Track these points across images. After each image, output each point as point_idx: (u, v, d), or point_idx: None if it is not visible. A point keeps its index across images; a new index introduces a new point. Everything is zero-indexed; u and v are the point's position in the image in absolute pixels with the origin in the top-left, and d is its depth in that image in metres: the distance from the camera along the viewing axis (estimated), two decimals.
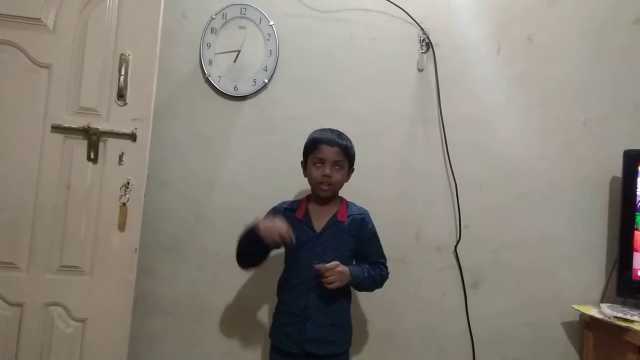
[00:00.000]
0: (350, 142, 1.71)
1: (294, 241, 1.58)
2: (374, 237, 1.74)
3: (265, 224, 1.56)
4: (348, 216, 1.71)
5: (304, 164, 1.74)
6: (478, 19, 2.10)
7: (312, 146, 1.68)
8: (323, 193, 1.68)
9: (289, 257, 1.72)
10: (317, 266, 1.58)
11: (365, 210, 1.77)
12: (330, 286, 1.58)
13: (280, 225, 1.54)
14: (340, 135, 1.70)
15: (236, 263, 1.67)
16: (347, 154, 1.68)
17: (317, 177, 1.66)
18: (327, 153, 1.65)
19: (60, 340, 1.68)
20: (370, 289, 1.73)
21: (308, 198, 1.75)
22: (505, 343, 2.07)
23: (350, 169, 1.73)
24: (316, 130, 1.74)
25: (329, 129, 1.73)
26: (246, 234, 1.61)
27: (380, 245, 1.75)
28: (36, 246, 1.67)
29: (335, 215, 1.70)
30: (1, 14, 1.65)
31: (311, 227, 1.68)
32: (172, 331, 1.99)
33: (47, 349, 1.67)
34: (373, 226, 1.75)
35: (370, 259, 1.72)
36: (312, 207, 1.72)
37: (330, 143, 1.66)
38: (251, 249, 1.61)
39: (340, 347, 1.67)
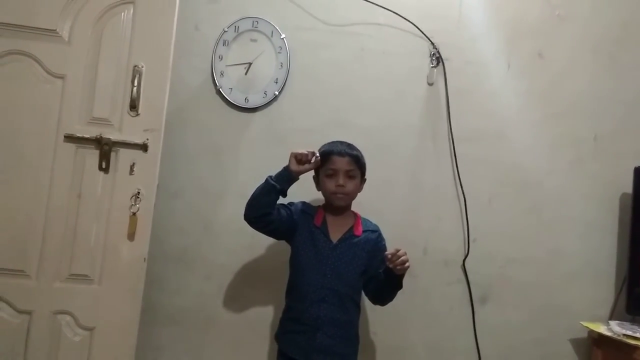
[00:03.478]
0: (360, 152, 1.74)
1: (319, 158, 1.67)
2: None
3: (294, 162, 1.64)
4: (363, 231, 1.73)
5: (316, 178, 1.75)
6: (489, 33, 2.11)
7: (324, 158, 1.69)
8: (338, 202, 1.70)
9: (299, 262, 1.70)
10: (387, 253, 1.57)
11: (378, 227, 1.78)
12: (406, 265, 1.55)
13: (306, 154, 1.63)
14: (350, 145, 1.74)
15: (245, 220, 1.68)
16: (358, 164, 1.71)
17: (331, 188, 1.69)
18: (339, 163, 1.68)
19: (67, 348, 1.68)
20: (394, 296, 1.71)
21: (324, 207, 1.76)
22: (513, 359, 2.05)
23: (363, 179, 1.75)
24: (325, 144, 1.75)
25: (338, 141, 1.75)
26: (267, 186, 1.64)
27: None
28: (46, 254, 1.68)
29: (351, 229, 1.72)
30: (17, 25, 1.68)
31: (327, 237, 1.69)
32: (179, 341, 1.98)
33: (55, 357, 1.67)
34: (385, 244, 1.76)
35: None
36: (329, 218, 1.73)
37: (341, 153, 1.69)
38: (269, 197, 1.64)
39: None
